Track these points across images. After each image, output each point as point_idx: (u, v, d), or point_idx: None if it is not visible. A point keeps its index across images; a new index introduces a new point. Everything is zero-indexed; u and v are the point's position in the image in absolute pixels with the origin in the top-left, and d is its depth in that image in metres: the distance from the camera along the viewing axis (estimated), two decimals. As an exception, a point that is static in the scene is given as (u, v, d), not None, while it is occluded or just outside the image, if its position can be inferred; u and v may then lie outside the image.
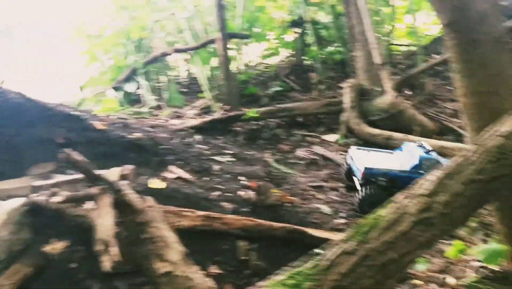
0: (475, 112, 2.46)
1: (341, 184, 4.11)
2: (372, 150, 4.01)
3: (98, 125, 4.17)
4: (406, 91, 5.99)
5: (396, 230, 1.94)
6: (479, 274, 2.54)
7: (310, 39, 7.53)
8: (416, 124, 4.87)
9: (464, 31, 2.37)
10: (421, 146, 3.69)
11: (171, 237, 2.11)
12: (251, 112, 5.30)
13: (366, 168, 3.56)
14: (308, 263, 1.99)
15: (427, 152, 3.57)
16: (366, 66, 5.55)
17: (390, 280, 2.04)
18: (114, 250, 1.83)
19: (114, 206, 2.05)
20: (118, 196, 2.09)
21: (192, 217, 2.79)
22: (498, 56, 2.40)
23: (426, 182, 2.02)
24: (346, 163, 4.01)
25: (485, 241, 2.95)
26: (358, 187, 3.64)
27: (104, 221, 1.95)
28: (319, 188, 4.04)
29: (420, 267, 2.70)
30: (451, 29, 2.41)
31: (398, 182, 3.46)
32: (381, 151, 4.04)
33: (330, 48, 7.67)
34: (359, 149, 3.99)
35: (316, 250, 2.07)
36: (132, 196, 2.15)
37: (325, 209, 3.66)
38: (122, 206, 2.10)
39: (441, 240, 3.15)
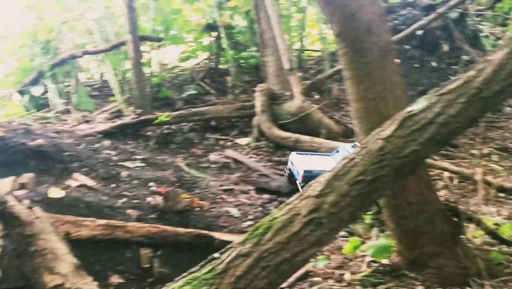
0: (363, 117, 2.62)
1: (251, 187, 4.19)
2: (311, 154, 4.16)
3: (-4, 132, 3.93)
4: (314, 96, 6.24)
5: (289, 230, 2.02)
6: (371, 268, 2.71)
7: (225, 43, 7.60)
8: (322, 127, 5.09)
9: (353, 40, 2.52)
10: (354, 146, 3.85)
11: (62, 249, 2.03)
12: (163, 116, 5.25)
13: (305, 171, 3.69)
14: (205, 268, 2.01)
15: None
16: (277, 71, 5.72)
17: (284, 279, 2.13)
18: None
19: (-1, 219, 1.95)
20: (2, 207, 1.99)
21: (92, 226, 2.71)
22: (384, 64, 2.58)
23: (317, 184, 2.13)
24: (288, 168, 4.11)
25: (380, 237, 3.14)
26: (300, 190, 3.73)
27: (-15, 235, 1.84)
28: (229, 191, 4.09)
29: (320, 264, 2.83)
30: (341, 38, 2.55)
31: None
32: (319, 155, 4.20)
33: (246, 53, 7.76)
34: (299, 154, 4.11)
35: (215, 254, 2.09)
36: (18, 208, 2.05)
37: (235, 212, 3.72)
38: (7, 218, 2.00)
39: (342, 237, 3.35)
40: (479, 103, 2.11)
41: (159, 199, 3.47)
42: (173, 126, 5.61)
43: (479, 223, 2.70)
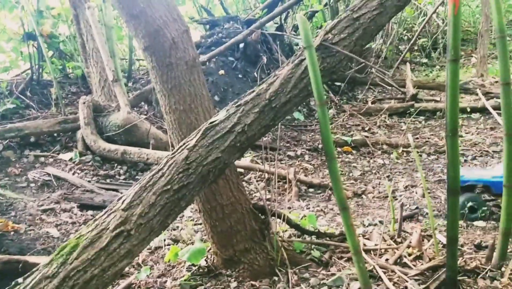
0: (176, 128, 2.75)
1: (73, 204, 4.02)
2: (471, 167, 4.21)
3: None
4: (143, 106, 6.24)
5: (97, 246, 2.03)
6: (192, 272, 2.84)
7: (49, 53, 7.15)
8: (151, 137, 5.12)
9: (159, 55, 2.63)
10: None
11: None
12: (-30, 135, 4.72)
13: None
14: (6, 296, 1.91)
15: None
16: (101, 82, 5.59)
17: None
18: None
19: None
20: None
21: None
22: (192, 78, 2.73)
23: (125, 197, 2.17)
24: None
25: (203, 240, 3.30)
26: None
27: None
28: (50, 211, 3.87)
29: (143, 275, 2.86)
30: (148, 53, 2.63)
31: (491, 188, 3.65)
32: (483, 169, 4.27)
33: (71, 63, 7.40)
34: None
35: (18, 279, 2.00)
36: None
37: (55, 232, 3.53)
38: None
39: (168, 246, 3.42)
40: (271, 112, 2.37)
41: (-38, 228, 3.14)
42: (-16, 146, 5.09)
43: (284, 218, 3.01)
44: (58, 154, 5.10)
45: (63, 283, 1.95)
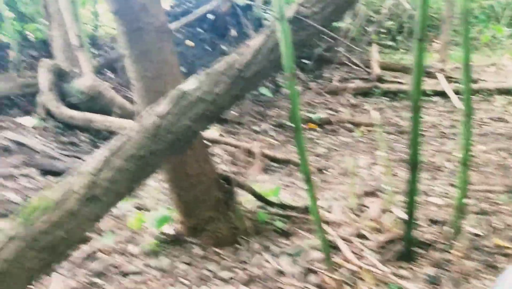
0: (143, 95, 2.72)
1: (34, 170, 3.93)
2: None
3: None
4: (108, 74, 6.09)
5: (63, 208, 2.01)
6: (157, 239, 2.86)
7: (7, 14, 6.83)
8: (116, 106, 5.03)
9: (129, 19, 2.57)
10: None
11: None
12: None
13: None
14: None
15: None
16: (64, 47, 5.41)
17: (60, 258, 2.12)
18: None
19: None
20: None
21: None
22: (160, 44, 2.69)
23: (93, 160, 2.15)
24: None
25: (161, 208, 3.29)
26: None
27: None
28: (9, 176, 3.77)
29: (107, 240, 2.86)
30: (117, 17, 2.57)
31: None
32: None
33: (32, 25, 7.11)
34: None
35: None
36: None
37: (15, 197, 3.46)
38: None
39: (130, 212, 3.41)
40: (241, 83, 2.38)
41: None
42: None
43: (249, 189, 3.06)
44: (18, 118, 4.94)
45: (27, 245, 1.92)
